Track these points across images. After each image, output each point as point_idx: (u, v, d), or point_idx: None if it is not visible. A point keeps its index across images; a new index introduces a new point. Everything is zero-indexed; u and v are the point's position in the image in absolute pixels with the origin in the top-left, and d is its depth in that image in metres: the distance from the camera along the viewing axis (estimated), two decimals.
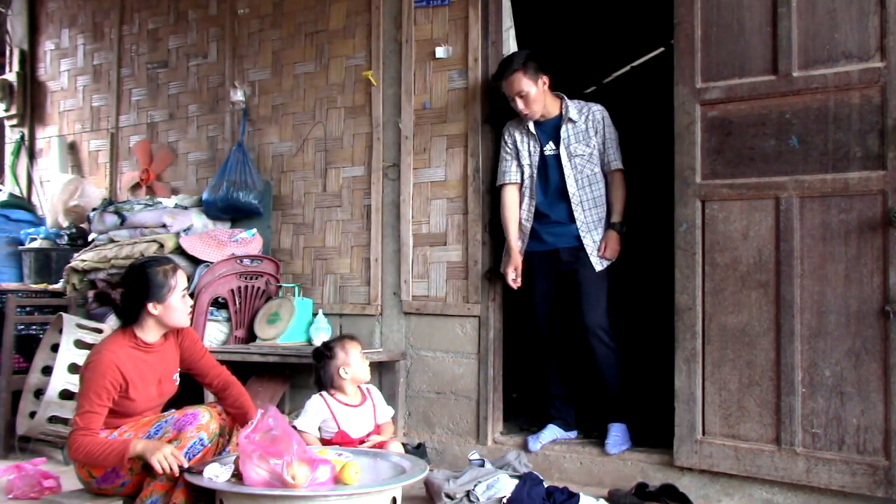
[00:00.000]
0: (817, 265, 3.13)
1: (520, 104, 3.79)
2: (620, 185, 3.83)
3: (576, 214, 3.79)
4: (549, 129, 3.86)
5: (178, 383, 2.95)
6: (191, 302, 2.93)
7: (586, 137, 3.81)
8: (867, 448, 3.02)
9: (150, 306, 2.78)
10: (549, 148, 3.85)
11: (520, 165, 3.91)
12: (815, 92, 3.13)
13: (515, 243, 3.87)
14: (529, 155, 3.90)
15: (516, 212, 3.90)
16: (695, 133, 3.39)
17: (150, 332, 2.83)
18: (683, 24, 3.43)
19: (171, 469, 2.56)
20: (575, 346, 3.89)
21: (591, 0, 5.74)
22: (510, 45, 4.20)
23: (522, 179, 3.91)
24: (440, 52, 4.16)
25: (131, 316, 2.82)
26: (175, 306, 2.82)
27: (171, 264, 2.88)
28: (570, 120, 3.82)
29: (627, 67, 7.10)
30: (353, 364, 3.27)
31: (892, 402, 2.97)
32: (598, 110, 3.86)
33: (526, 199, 3.92)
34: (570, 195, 3.79)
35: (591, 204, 3.81)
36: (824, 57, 3.12)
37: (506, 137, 3.96)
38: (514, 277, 3.85)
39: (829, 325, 3.10)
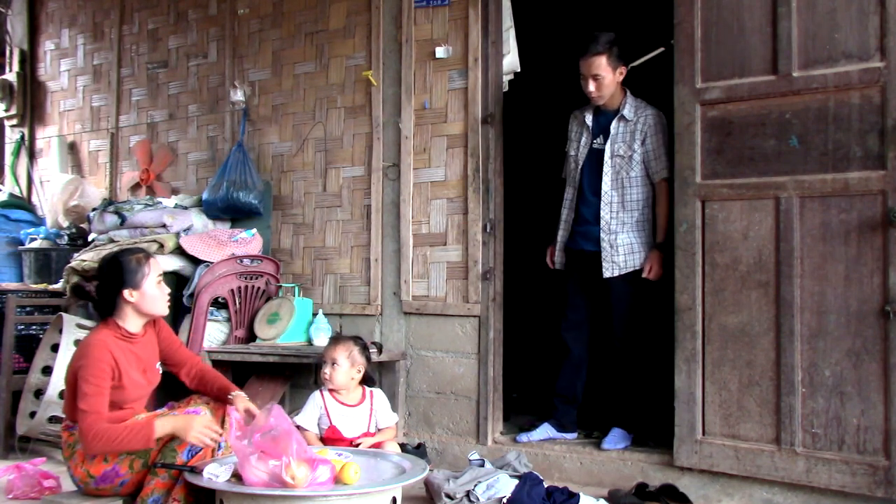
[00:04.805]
0: (817, 265, 3.13)
1: (591, 86, 3.71)
2: (663, 197, 3.66)
3: (602, 214, 3.71)
4: (605, 123, 3.79)
5: (161, 372, 2.99)
6: (168, 290, 2.93)
7: (631, 139, 3.70)
8: (867, 448, 3.01)
9: (126, 293, 2.80)
10: (598, 142, 3.79)
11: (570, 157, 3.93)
12: (815, 92, 3.13)
13: (559, 235, 3.94)
14: (579, 147, 3.87)
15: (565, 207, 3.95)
16: (695, 133, 3.39)
17: (131, 322, 2.85)
18: (683, 24, 3.43)
19: (211, 440, 2.64)
20: (595, 351, 3.88)
21: (591, 0, 5.74)
22: (510, 45, 4.20)
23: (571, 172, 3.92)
24: (440, 52, 4.16)
25: (109, 306, 2.84)
26: (150, 293, 2.84)
27: (143, 252, 2.91)
28: (624, 118, 3.74)
29: (627, 67, 7.07)
30: (336, 368, 3.32)
31: (892, 402, 2.97)
32: (652, 114, 3.71)
33: (569, 191, 3.92)
34: (602, 194, 3.72)
35: (620, 207, 3.70)
36: (824, 57, 3.12)
37: (569, 128, 3.97)
38: (550, 259, 4.01)
39: (829, 325, 3.10)
